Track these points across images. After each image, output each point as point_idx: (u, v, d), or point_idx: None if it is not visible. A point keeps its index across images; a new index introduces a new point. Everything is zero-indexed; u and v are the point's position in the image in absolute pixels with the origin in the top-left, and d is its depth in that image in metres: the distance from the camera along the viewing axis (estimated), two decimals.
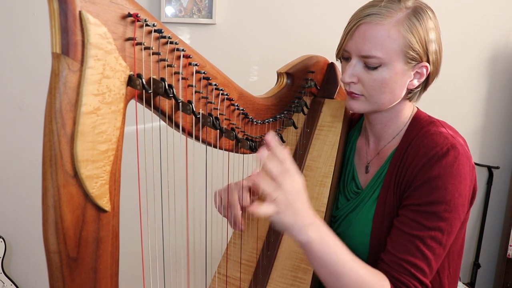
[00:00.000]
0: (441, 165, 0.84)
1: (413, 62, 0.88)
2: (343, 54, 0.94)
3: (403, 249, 0.85)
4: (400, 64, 0.87)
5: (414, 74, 0.91)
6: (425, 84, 0.95)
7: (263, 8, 1.95)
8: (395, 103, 0.94)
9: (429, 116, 0.98)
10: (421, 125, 0.94)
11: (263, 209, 0.69)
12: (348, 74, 0.90)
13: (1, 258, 1.88)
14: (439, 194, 0.84)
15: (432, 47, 0.89)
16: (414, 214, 0.86)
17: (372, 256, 0.93)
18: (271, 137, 0.71)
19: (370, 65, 0.88)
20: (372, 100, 0.91)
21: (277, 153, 0.71)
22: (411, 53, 0.87)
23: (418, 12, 0.87)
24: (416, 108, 1.00)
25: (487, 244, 2.39)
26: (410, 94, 0.95)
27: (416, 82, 0.92)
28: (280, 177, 0.70)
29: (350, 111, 1.17)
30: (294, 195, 0.71)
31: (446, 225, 0.84)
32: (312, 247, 0.74)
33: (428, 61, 0.90)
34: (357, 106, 0.94)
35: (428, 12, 0.89)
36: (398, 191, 0.90)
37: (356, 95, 0.92)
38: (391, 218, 0.91)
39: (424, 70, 0.90)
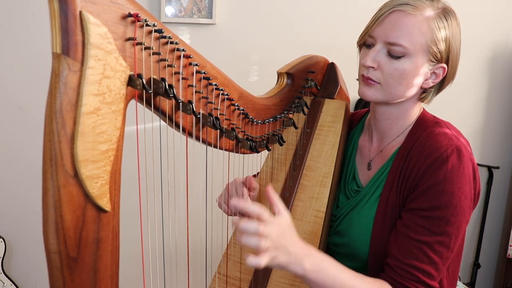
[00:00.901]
0: (446, 168, 0.84)
1: (434, 60, 0.89)
2: (367, 40, 0.93)
3: (409, 254, 0.86)
4: (422, 59, 0.88)
5: (431, 74, 0.91)
6: (439, 87, 0.95)
7: (263, 8, 1.95)
8: (406, 100, 0.94)
9: (434, 116, 0.98)
10: (425, 125, 0.94)
11: (260, 262, 0.72)
12: (371, 58, 0.89)
13: (1, 258, 1.88)
14: (445, 199, 0.84)
15: (454, 51, 0.91)
16: (420, 219, 0.86)
17: (372, 255, 0.93)
18: (240, 202, 0.74)
19: (394, 54, 0.88)
20: (387, 89, 0.91)
21: (251, 212, 0.74)
22: (435, 50, 0.88)
23: (448, 14, 0.89)
24: (422, 108, 1.00)
25: (487, 244, 2.39)
26: (424, 94, 0.95)
27: (431, 82, 0.92)
28: (261, 229, 0.72)
29: (352, 108, 1.17)
30: (281, 237, 0.75)
31: (453, 229, 0.85)
32: (309, 277, 0.78)
33: (447, 63, 0.91)
34: (370, 94, 0.93)
35: (456, 18, 0.91)
36: (402, 192, 0.90)
37: (372, 82, 0.91)
38: (392, 218, 0.91)
39: (441, 71, 0.91)
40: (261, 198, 1.07)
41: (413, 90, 0.92)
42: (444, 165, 0.85)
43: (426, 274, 0.85)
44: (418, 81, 0.90)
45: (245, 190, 0.99)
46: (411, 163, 0.90)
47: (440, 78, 0.92)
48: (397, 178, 0.92)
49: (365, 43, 0.94)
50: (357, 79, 0.96)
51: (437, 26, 0.87)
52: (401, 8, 0.87)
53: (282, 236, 0.75)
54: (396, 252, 0.87)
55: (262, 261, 0.71)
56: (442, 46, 0.88)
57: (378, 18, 0.90)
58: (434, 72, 0.91)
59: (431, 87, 0.94)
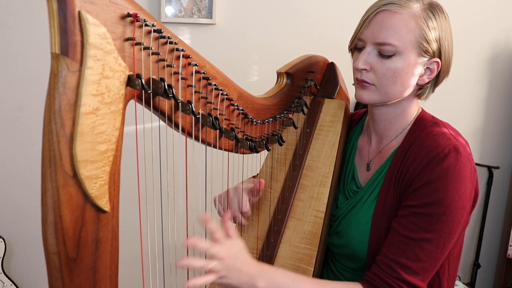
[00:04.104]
0: (442, 167, 0.84)
1: (426, 56, 0.89)
2: (357, 44, 0.93)
3: (396, 250, 0.85)
4: (414, 56, 0.88)
5: (425, 70, 0.91)
6: (435, 82, 0.95)
7: (263, 8, 1.95)
8: (403, 98, 0.94)
9: (433, 116, 0.98)
10: (424, 125, 0.94)
11: (202, 280, 0.75)
12: (362, 60, 0.90)
13: (1, 258, 1.88)
14: (438, 196, 0.83)
15: (445, 45, 0.91)
16: (411, 216, 0.86)
17: (371, 255, 0.93)
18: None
19: (384, 53, 0.88)
20: (382, 90, 0.91)
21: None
22: (426, 45, 0.88)
23: (434, 9, 0.90)
24: (421, 109, 1.00)
25: (487, 244, 2.39)
26: (420, 91, 0.95)
27: (426, 78, 0.92)
28: (212, 249, 0.76)
29: (352, 109, 1.17)
30: (231, 259, 0.78)
31: (444, 227, 0.84)
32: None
33: (440, 58, 0.91)
34: (366, 96, 0.93)
35: (444, 12, 0.92)
36: (398, 190, 0.90)
37: (367, 84, 0.92)
38: (390, 217, 0.91)
39: (435, 66, 0.91)
40: (260, 200, 1.07)
41: (409, 88, 0.92)
42: (440, 164, 0.84)
43: (410, 272, 0.84)
44: (412, 78, 0.90)
45: (246, 198, 0.98)
46: (408, 162, 0.90)
47: (435, 73, 0.92)
48: (394, 178, 0.92)
49: (356, 47, 0.94)
50: (353, 84, 0.96)
51: (424, 22, 0.87)
52: (386, 7, 0.88)
53: (233, 257, 0.78)
54: (385, 247, 0.87)
55: (208, 279, 0.75)
56: (432, 41, 0.88)
57: (365, 21, 0.90)
58: (428, 68, 0.91)
59: (427, 83, 0.94)
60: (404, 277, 0.84)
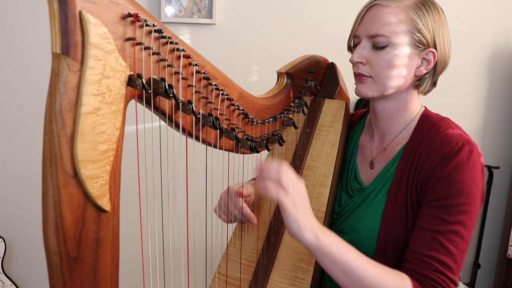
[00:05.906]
0: (458, 159, 0.85)
1: (420, 46, 0.91)
2: (354, 41, 0.96)
3: (425, 245, 0.84)
4: (407, 47, 0.90)
5: (421, 61, 0.93)
6: (433, 74, 0.96)
7: (263, 8, 1.95)
8: (402, 91, 0.95)
9: (437, 114, 0.99)
10: (431, 121, 0.95)
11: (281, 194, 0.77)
12: (357, 54, 0.93)
13: (1, 258, 1.88)
14: (457, 188, 0.84)
15: (440, 36, 0.92)
16: (433, 210, 0.86)
17: (379, 252, 0.93)
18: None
19: (378, 45, 0.90)
20: (379, 81, 0.93)
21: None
22: (418, 35, 0.90)
23: (426, 2, 0.92)
24: (424, 107, 1.01)
25: (487, 244, 2.39)
26: (418, 82, 0.96)
27: (423, 69, 0.93)
28: (283, 167, 0.79)
29: (352, 109, 1.17)
30: (305, 194, 0.80)
31: (466, 218, 0.84)
32: (323, 247, 0.78)
33: (435, 48, 0.92)
34: (365, 90, 0.95)
35: (437, 6, 0.93)
36: (413, 187, 0.91)
37: (364, 77, 0.94)
38: (401, 214, 0.91)
39: (432, 57, 0.92)
40: (260, 200, 1.07)
41: (407, 79, 0.93)
42: (456, 156, 0.86)
43: (444, 265, 0.83)
44: (409, 69, 0.92)
45: (240, 199, 0.98)
46: (421, 158, 0.91)
47: (432, 64, 0.93)
48: (406, 175, 0.92)
49: (353, 44, 0.97)
50: (354, 83, 0.98)
51: (416, 13, 0.90)
52: (377, 2, 0.91)
53: (302, 199, 0.79)
54: (413, 245, 0.86)
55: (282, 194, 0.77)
56: (425, 32, 0.90)
57: (358, 17, 0.94)
58: (424, 59, 0.93)
59: (425, 74, 0.95)
60: (441, 270, 0.83)
